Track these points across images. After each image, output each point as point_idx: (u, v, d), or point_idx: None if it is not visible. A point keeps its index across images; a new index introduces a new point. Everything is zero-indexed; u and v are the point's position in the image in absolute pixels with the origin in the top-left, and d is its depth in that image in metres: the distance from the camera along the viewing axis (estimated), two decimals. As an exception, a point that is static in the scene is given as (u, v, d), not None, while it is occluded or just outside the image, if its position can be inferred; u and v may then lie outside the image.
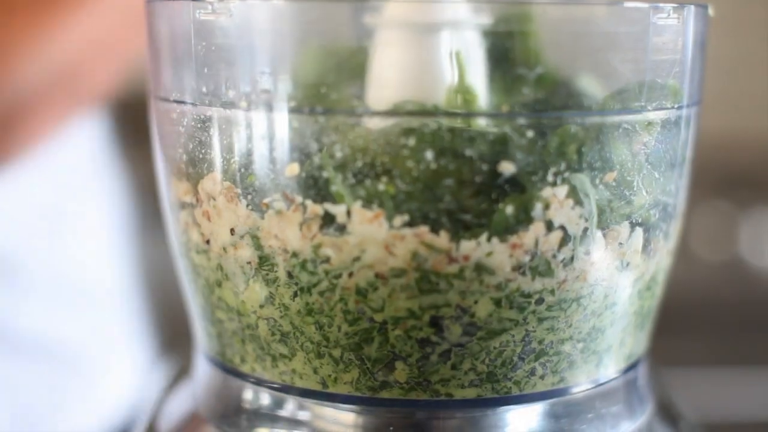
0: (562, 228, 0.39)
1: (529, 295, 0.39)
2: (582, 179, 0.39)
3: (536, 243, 0.39)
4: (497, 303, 0.39)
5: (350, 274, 0.39)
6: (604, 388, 0.44)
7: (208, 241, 0.42)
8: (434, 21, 0.40)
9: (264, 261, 0.40)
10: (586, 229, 0.39)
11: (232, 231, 0.41)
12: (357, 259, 0.39)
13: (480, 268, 0.39)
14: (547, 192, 0.38)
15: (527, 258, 0.39)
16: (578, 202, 0.39)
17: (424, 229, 0.38)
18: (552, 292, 0.40)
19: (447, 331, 0.39)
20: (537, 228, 0.39)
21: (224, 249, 0.42)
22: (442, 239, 0.38)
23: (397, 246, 0.38)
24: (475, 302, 0.39)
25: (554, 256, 0.39)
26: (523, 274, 0.39)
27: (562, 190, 0.39)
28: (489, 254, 0.38)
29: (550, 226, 0.39)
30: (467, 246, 0.38)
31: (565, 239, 0.39)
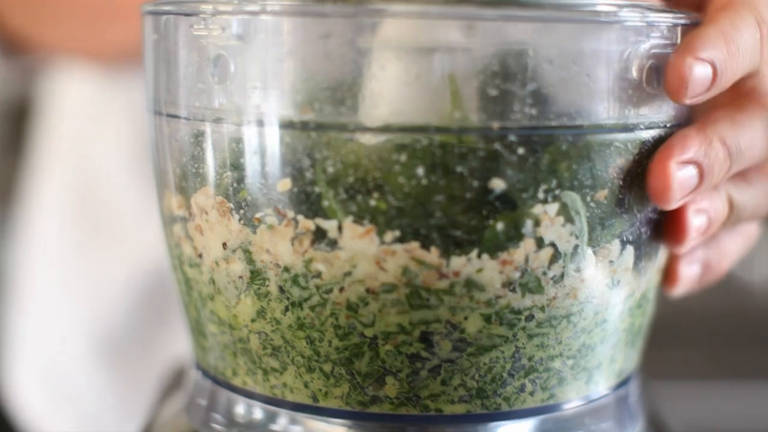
0: (553, 245, 0.39)
1: (519, 312, 0.39)
2: (573, 197, 0.39)
3: (526, 260, 0.39)
4: (487, 319, 0.39)
5: (341, 289, 0.39)
6: (594, 404, 0.44)
7: (200, 255, 0.43)
8: (429, 40, 0.40)
9: (256, 275, 0.41)
10: (576, 247, 0.40)
11: (224, 245, 0.41)
12: (348, 274, 0.39)
13: (470, 284, 0.39)
14: (537, 209, 0.39)
15: (517, 275, 0.39)
16: (569, 220, 0.39)
17: (414, 245, 0.38)
18: (542, 308, 0.40)
19: (437, 347, 0.40)
20: (527, 245, 0.39)
21: (216, 263, 0.42)
22: (433, 255, 0.38)
23: (388, 261, 0.39)
24: (465, 318, 0.39)
25: (544, 273, 0.39)
26: (513, 290, 0.39)
27: (553, 208, 0.39)
28: (479, 270, 0.39)
29: (540, 243, 0.39)
30: (458, 262, 0.38)
31: (556, 256, 0.39)
